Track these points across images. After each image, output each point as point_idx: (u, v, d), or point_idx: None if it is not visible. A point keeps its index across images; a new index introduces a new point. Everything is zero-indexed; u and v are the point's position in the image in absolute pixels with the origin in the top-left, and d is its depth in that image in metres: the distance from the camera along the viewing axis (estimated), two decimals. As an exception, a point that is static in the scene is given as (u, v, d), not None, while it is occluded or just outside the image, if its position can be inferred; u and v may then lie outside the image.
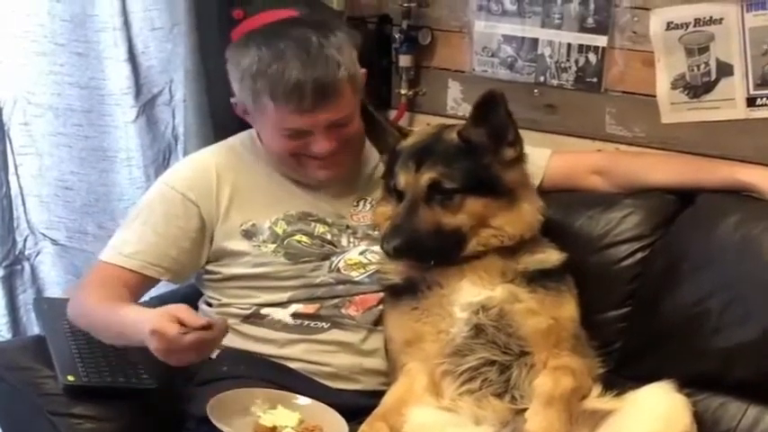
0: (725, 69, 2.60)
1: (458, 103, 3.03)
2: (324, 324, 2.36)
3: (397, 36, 3.06)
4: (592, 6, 2.76)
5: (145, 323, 2.06)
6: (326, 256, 2.39)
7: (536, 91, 2.90)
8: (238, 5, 2.68)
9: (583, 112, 2.85)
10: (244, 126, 2.47)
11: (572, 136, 2.86)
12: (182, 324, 2.02)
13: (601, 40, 2.77)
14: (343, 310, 2.37)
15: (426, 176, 2.23)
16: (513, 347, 2.20)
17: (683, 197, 2.48)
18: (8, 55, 2.80)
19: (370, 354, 2.37)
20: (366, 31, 3.08)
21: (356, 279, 2.39)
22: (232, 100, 2.40)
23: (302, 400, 2.18)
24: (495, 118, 2.23)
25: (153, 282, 2.38)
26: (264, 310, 2.36)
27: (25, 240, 2.95)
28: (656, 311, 2.41)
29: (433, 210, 2.23)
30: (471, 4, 2.94)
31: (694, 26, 2.61)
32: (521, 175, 2.31)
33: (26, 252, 2.96)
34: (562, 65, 2.84)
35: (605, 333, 2.43)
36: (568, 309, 2.27)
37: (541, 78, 2.89)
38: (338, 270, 2.39)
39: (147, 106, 2.97)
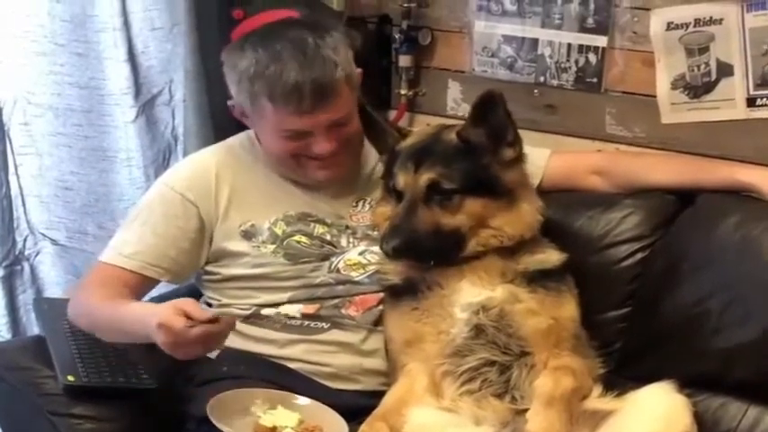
0: (725, 69, 2.60)
1: (458, 103, 3.03)
2: (324, 324, 2.36)
3: (396, 36, 3.06)
4: (592, 6, 2.75)
5: (151, 317, 2.07)
6: (326, 257, 2.39)
7: (536, 91, 2.90)
8: (238, 5, 2.68)
9: (583, 113, 2.84)
10: (243, 127, 2.47)
11: (572, 136, 2.86)
12: (188, 317, 2.03)
13: (601, 41, 2.77)
14: (343, 311, 2.37)
15: (425, 177, 2.23)
16: (513, 348, 2.20)
17: (683, 197, 2.48)
18: (8, 55, 2.80)
19: (370, 354, 2.37)
20: (366, 31, 3.08)
21: (356, 279, 2.39)
22: (229, 102, 2.40)
23: (302, 401, 2.18)
24: (494, 118, 2.23)
25: (153, 282, 2.38)
26: (265, 311, 2.36)
27: (25, 240, 2.95)
28: (656, 312, 2.40)
29: (432, 210, 2.23)
30: (471, 5, 2.94)
31: (694, 26, 2.61)
32: (520, 176, 2.31)
33: (26, 252, 2.96)
34: (562, 65, 2.84)
35: (605, 333, 2.43)
36: (568, 309, 2.27)
37: (541, 79, 2.88)
38: (338, 270, 2.39)
39: (146, 106, 2.97)
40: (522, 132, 2.30)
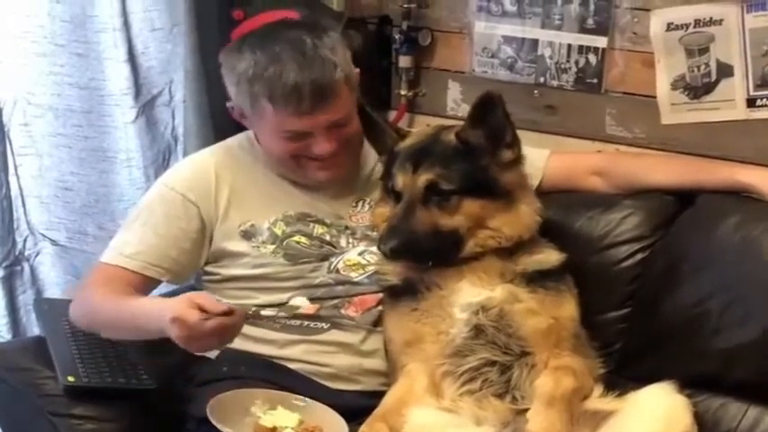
0: (725, 70, 2.60)
1: (458, 103, 3.03)
2: (323, 324, 2.36)
3: (397, 37, 3.06)
4: (592, 7, 2.76)
5: (165, 311, 2.06)
6: (325, 257, 2.39)
7: (536, 92, 2.90)
8: (238, 6, 2.68)
9: (583, 113, 2.85)
10: (243, 127, 2.47)
11: (572, 137, 2.86)
12: (202, 310, 2.02)
13: (601, 41, 2.77)
14: (342, 311, 2.37)
15: (423, 178, 2.23)
16: (513, 348, 2.20)
17: (683, 198, 2.48)
18: (8, 55, 2.80)
19: (370, 354, 2.37)
20: (366, 31, 3.09)
21: (355, 280, 2.39)
22: (228, 104, 2.40)
23: (302, 401, 2.18)
24: (492, 119, 2.23)
25: (154, 283, 2.38)
26: (265, 311, 2.36)
27: (25, 241, 2.95)
28: (656, 312, 2.41)
29: (430, 211, 2.23)
30: (471, 5, 2.94)
31: (694, 27, 2.61)
32: (518, 177, 2.31)
33: (26, 253, 2.96)
34: (562, 66, 2.84)
35: (605, 334, 2.43)
36: (568, 308, 2.27)
37: (541, 79, 2.89)
38: (337, 271, 2.39)
39: (146, 107, 2.97)
40: (521, 133, 2.30)
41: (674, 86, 2.67)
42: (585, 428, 2.13)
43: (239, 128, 2.49)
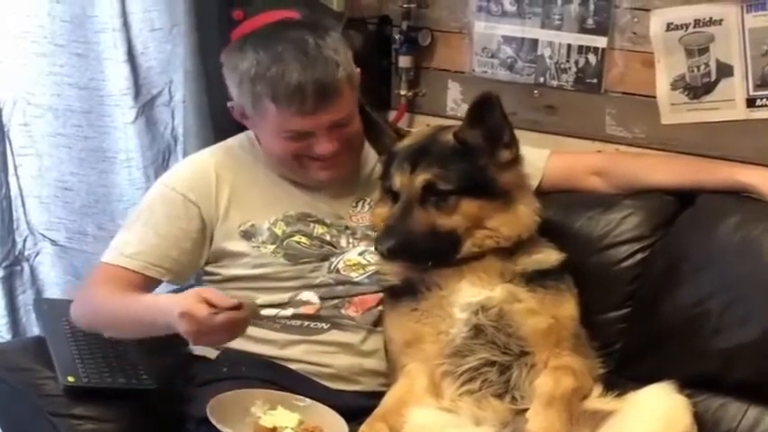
0: (725, 70, 2.60)
1: (457, 103, 3.03)
2: (323, 325, 2.36)
3: (396, 37, 3.06)
4: (592, 7, 2.75)
5: (173, 306, 2.07)
6: (326, 257, 2.39)
7: (536, 92, 2.90)
8: (238, 6, 2.68)
9: (583, 113, 2.85)
10: (244, 127, 2.47)
11: (572, 137, 2.86)
12: (211, 305, 2.02)
13: (601, 41, 2.77)
14: (342, 311, 2.37)
15: (421, 178, 2.23)
16: (513, 348, 2.20)
17: (683, 198, 2.48)
18: (8, 55, 2.81)
19: (370, 354, 2.37)
20: (366, 32, 3.09)
21: (355, 280, 2.39)
22: (229, 104, 2.40)
23: (302, 401, 2.18)
24: (490, 120, 2.23)
25: (155, 283, 2.38)
26: (265, 311, 2.36)
27: (25, 241, 2.95)
28: (656, 312, 2.41)
29: (428, 211, 2.23)
30: (471, 5, 2.94)
31: (694, 27, 2.61)
32: (516, 177, 2.31)
33: (26, 253, 2.96)
34: (562, 66, 2.84)
35: (605, 334, 2.43)
36: (568, 308, 2.27)
37: (541, 79, 2.88)
38: (337, 271, 2.39)
39: (146, 107, 2.97)
40: (521, 133, 2.30)
41: (674, 86, 2.67)
42: (585, 428, 2.13)
43: (239, 128, 2.49)
